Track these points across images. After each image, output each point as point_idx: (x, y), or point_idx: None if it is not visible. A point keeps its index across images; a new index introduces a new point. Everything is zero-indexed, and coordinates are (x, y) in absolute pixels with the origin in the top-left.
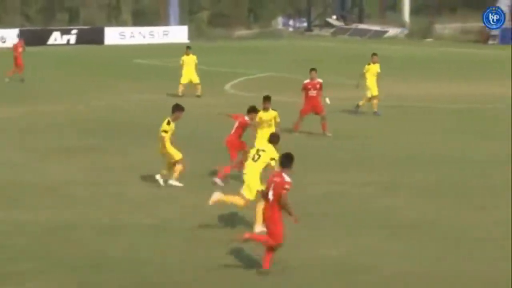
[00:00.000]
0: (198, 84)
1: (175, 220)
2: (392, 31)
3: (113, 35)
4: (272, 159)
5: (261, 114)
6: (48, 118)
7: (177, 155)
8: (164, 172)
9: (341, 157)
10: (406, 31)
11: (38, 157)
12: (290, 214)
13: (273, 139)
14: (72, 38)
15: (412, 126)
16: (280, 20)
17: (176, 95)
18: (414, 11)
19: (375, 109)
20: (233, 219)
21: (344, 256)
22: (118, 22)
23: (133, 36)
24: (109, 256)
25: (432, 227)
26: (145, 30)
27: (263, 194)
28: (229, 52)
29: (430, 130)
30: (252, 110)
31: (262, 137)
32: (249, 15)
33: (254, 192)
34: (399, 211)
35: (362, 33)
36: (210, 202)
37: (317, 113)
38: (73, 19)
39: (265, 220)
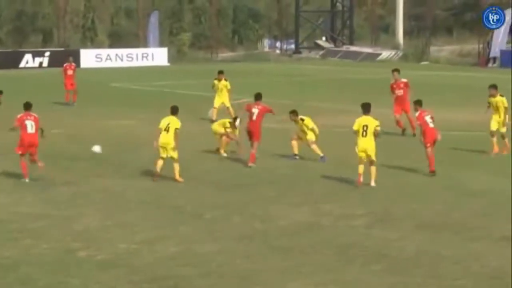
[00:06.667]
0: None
1: (128, 255)
2: (385, 53)
3: (89, 58)
4: None
5: None
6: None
7: None
8: None
9: None
10: (400, 54)
11: None
12: None
13: None
14: (45, 61)
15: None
16: (266, 42)
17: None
18: (407, 33)
19: None
20: None
21: None
22: (94, 44)
23: (110, 59)
24: None
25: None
26: (123, 52)
27: None
28: (212, 75)
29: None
30: None
31: None
32: (233, 37)
33: None
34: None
35: (354, 55)
36: None
37: None
38: (47, 41)
39: None
